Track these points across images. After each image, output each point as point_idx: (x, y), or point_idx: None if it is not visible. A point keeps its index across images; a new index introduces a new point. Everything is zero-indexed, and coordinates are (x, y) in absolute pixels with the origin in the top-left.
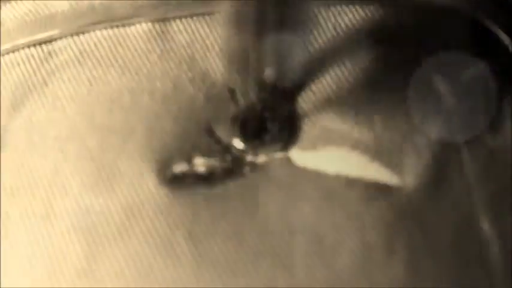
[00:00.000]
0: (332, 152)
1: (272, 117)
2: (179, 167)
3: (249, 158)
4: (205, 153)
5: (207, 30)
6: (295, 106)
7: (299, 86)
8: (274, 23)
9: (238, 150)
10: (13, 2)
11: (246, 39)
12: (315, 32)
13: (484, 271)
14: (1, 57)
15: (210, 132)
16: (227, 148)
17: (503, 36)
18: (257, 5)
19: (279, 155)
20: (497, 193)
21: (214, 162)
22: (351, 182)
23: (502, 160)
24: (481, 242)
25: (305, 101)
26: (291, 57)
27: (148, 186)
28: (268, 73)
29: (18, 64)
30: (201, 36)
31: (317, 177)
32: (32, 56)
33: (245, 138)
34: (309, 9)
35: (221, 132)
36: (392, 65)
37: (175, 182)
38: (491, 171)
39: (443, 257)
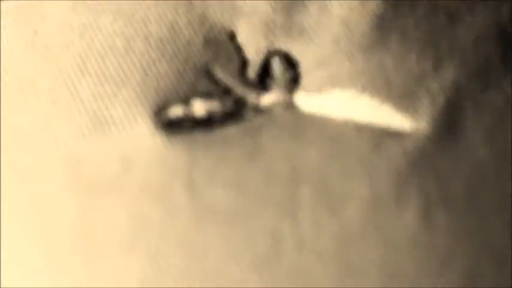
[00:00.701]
0: (339, 95)
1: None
2: (176, 110)
3: (251, 100)
4: (204, 96)
5: None
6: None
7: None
8: None
9: (241, 92)
10: None
11: None
12: None
13: (500, 223)
14: None
15: (208, 74)
16: (227, 90)
17: None
18: None
19: (283, 98)
20: None
21: (214, 104)
22: (360, 127)
23: None
24: (498, 194)
25: (311, 41)
26: None
27: (143, 132)
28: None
29: (9, 12)
30: None
31: (324, 122)
32: (22, 4)
33: (247, 83)
34: None
35: (220, 74)
36: (403, 8)
37: (172, 127)
38: (507, 119)
39: (457, 207)
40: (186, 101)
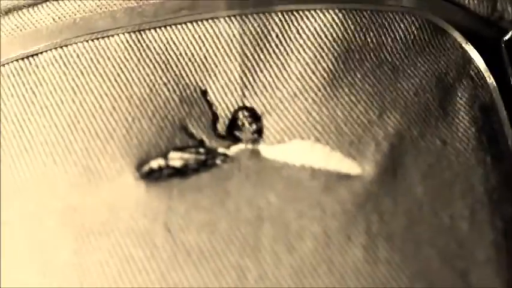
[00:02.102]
0: (297, 145)
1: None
2: (156, 162)
3: (221, 150)
4: (180, 149)
5: (180, 38)
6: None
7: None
8: None
9: (212, 144)
10: (1, 19)
11: None
12: (280, 35)
13: (435, 252)
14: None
15: (184, 129)
16: (201, 142)
17: (456, 34)
18: None
19: (249, 148)
20: (450, 181)
21: (189, 155)
22: (314, 173)
23: (454, 149)
24: (433, 228)
25: (272, 97)
26: None
27: (128, 182)
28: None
29: (9, 76)
30: (174, 43)
31: (283, 168)
32: (21, 68)
33: (218, 135)
34: None
35: (194, 129)
36: (352, 64)
37: (152, 176)
38: (444, 160)
39: (397, 240)
40: (164, 154)
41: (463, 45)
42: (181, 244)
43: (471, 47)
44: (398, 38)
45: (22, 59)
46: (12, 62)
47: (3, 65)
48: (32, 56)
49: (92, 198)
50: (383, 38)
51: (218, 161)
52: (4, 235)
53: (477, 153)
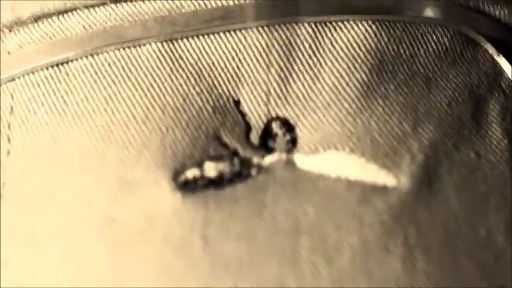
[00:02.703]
0: (332, 156)
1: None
2: (191, 173)
3: (256, 160)
4: (215, 159)
5: (212, 48)
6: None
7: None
8: None
9: (246, 154)
10: (30, 26)
11: None
12: (313, 45)
13: (473, 264)
14: (22, 78)
15: (218, 139)
16: (235, 152)
17: (487, 46)
18: None
19: (283, 158)
20: (485, 193)
21: (223, 165)
22: (350, 184)
23: (488, 161)
24: (470, 240)
25: (305, 108)
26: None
27: (164, 193)
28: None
29: (38, 85)
30: (207, 53)
31: (319, 179)
32: (51, 76)
33: (251, 146)
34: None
35: (228, 138)
36: (385, 75)
37: (187, 187)
38: (478, 171)
39: (435, 252)
40: (199, 164)
41: (495, 56)
42: (219, 255)
43: (502, 59)
44: (430, 50)
45: (52, 66)
46: (42, 69)
47: (33, 72)
48: (62, 64)
49: (128, 209)
50: (416, 49)
51: (253, 172)
52: (33, 245)
53: (511, 166)
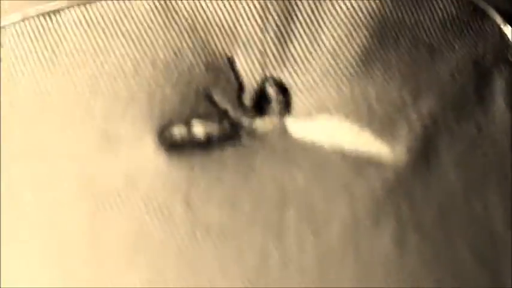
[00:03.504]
0: (325, 121)
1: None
2: (177, 130)
3: (247, 123)
4: (204, 118)
5: (208, 4)
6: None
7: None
8: None
9: (237, 116)
10: None
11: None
12: (313, 5)
13: (466, 244)
14: (12, 27)
15: (208, 97)
16: (225, 113)
17: (496, 17)
18: None
19: (275, 123)
20: (484, 169)
21: (212, 126)
22: (344, 155)
23: (490, 136)
24: (466, 218)
25: (302, 72)
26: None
27: (148, 151)
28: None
29: (29, 33)
30: (202, 7)
31: (312, 147)
32: (42, 25)
33: (243, 106)
34: None
35: (219, 97)
36: (387, 42)
37: (173, 147)
38: (478, 147)
39: (428, 230)
40: (187, 122)
41: (502, 27)
42: (200, 219)
43: (510, 30)
44: (436, 18)
45: (43, 15)
46: (32, 18)
47: (23, 20)
48: (54, 13)
49: (109, 165)
50: (421, 16)
51: (243, 136)
52: (15, 198)
53: None
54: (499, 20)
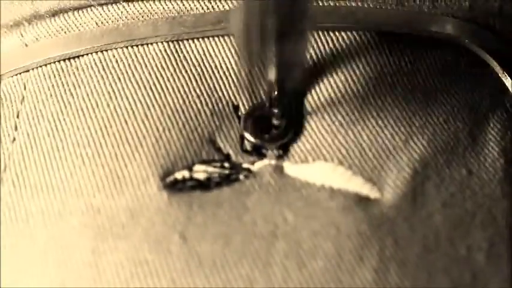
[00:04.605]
0: (320, 166)
1: (279, 114)
2: (181, 174)
3: (245, 165)
4: (206, 162)
5: (216, 51)
6: (300, 103)
7: (303, 86)
8: (278, 30)
9: (238, 160)
10: (47, 20)
11: (253, 43)
12: (314, 54)
13: (448, 281)
14: (35, 70)
15: (212, 142)
16: (227, 157)
17: (494, 65)
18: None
19: (273, 165)
20: (471, 210)
21: (213, 169)
22: (333, 193)
23: (480, 179)
24: (449, 258)
25: (300, 118)
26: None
27: (151, 190)
28: (273, 74)
29: (50, 77)
30: (210, 55)
31: (304, 186)
32: (62, 69)
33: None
34: (309, 19)
35: (222, 143)
36: (383, 88)
37: (175, 186)
38: (467, 189)
39: (411, 267)
40: (190, 166)
41: (500, 75)
42: (195, 253)
43: (508, 78)
44: (433, 65)
45: (64, 60)
46: (54, 62)
47: (46, 64)
48: (74, 58)
49: (115, 202)
50: (418, 63)
51: (241, 176)
52: (26, 227)
53: (503, 186)
54: (496, 67)
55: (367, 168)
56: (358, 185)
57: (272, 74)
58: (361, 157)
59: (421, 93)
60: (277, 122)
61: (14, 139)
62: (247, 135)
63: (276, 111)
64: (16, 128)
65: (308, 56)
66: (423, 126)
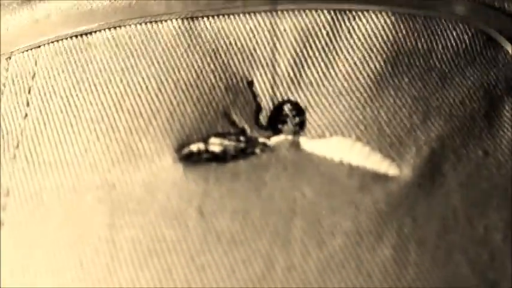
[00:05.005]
0: (337, 142)
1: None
2: (196, 146)
3: (261, 140)
4: (221, 135)
5: (231, 28)
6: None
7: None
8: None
9: (254, 134)
10: None
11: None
12: (330, 33)
13: (465, 260)
14: (47, 46)
15: (227, 116)
16: (242, 131)
17: (508, 47)
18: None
19: (290, 139)
20: (487, 191)
21: (229, 142)
22: (351, 170)
23: (496, 160)
24: (467, 236)
25: (317, 93)
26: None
27: (167, 163)
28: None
29: (61, 53)
30: (225, 33)
31: (322, 162)
32: (74, 46)
33: (260, 126)
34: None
35: (237, 117)
36: (400, 68)
37: (191, 159)
38: (484, 169)
39: (429, 246)
40: (205, 138)
41: None
42: (212, 228)
43: None
44: (449, 46)
45: (76, 36)
46: (66, 39)
47: (58, 41)
48: (85, 34)
49: (130, 176)
50: (434, 44)
51: (257, 150)
52: (39, 203)
53: None
54: (511, 50)
55: (385, 144)
56: (376, 162)
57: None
58: (379, 134)
59: (437, 74)
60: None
61: (26, 115)
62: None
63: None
64: (28, 104)
65: (324, 34)
66: (440, 106)
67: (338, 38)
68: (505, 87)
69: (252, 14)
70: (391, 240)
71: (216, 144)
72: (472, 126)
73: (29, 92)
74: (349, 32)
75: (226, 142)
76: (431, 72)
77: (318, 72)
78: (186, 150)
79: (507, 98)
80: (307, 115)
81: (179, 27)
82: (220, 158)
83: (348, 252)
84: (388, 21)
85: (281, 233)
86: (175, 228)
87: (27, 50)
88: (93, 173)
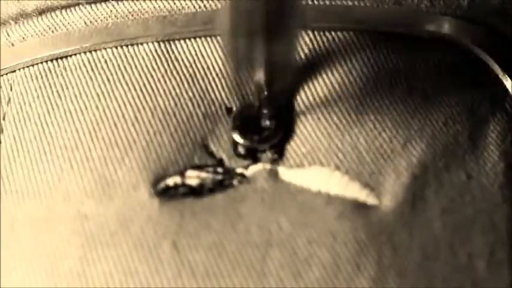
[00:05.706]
0: (316, 171)
1: (269, 115)
2: (172, 180)
3: (239, 170)
4: (198, 168)
5: (208, 51)
6: (291, 104)
7: (294, 86)
8: (266, 30)
9: (231, 164)
10: (34, 19)
11: (240, 43)
12: (309, 54)
13: None
14: (22, 70)
15: (205, 147)
16: (220, 161)
17: (494, 66)
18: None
19: (268, 169)
20: (471, 216)
21: (206, 174)
22: (329, 199)
23: (479, 184)
24: (449, 265)
25: (296, 121)
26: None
27: (142, 197)
28: (262, 75)
29: (37, 78)
30: (202, 56)
31: (300, 192)
32: (49, 70)
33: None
34: (298, 18)
35: (215, 147)
36: (381, 90)
37: (167, 194)
38: (467, 193)
39: (409, 276)
40: (182, 171)
41: (500, 76)
42: (187, 263)
43: (508, 80)
44: (432, 65)
45: (52, 60)
46: (41, 63)
47: (33, 65)
48: (62, 58)
49: (104, 208)
50: (416, 64)
51: (235, 182)
52: (12, 234)
53: (504, 190)
54: (497, 69)
55: (364, 173)
56: (355, 191)
57: (260, 75)
58: (358, 162)
59: (420, 95)
60: (267, 123)
61: (0, 142)
62: (235, 135)
63: (265, 111)
64: (2, 131)
65: (302, 56)
66: (422, 129)
67: (317, 60)
68: (490, 107)
69: None
70: (370, 271)
71: (193, 178)
72: (455, 148)
73: (4, 119)
74: (328, 53)
75: (203, 175)
76: (414, 93)
77: (296, 97)
78: (162, 185)
79: (492, 119)
80: (286, 144)
81: (155, 51)
82: (197, 191)
83: (325, 283)
84: (369, 41)
85: (256, 266)
86: (149, 263)
87: (2, 75)
88: (65, 204)
